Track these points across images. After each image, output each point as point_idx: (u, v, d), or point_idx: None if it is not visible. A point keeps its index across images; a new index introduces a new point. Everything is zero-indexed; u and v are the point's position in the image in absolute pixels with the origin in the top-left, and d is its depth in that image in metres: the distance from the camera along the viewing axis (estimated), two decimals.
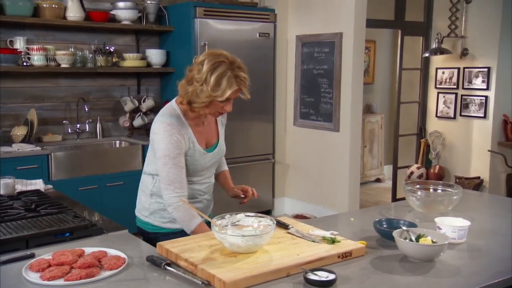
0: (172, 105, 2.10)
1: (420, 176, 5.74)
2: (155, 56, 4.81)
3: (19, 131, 4.18)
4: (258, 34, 4.98)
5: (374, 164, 6.84)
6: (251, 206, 4.94)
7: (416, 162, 6.02)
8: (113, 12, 4.58)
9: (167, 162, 1.99)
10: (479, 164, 5.45)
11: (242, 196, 2.34)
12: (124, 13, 4.57)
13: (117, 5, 4.57)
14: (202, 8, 4.62)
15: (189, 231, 2.01)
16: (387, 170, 6.79)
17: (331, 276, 1.53)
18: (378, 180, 6.86)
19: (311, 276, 1.53)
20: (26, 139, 4.17)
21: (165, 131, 2.00)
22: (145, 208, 2.21)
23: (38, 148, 4.06)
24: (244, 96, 1.99)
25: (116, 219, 2.19)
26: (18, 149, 3.95)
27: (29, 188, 2.65)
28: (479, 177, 5.40)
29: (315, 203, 5.10)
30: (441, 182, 2.43)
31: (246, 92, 1.98)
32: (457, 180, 5.48)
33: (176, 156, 2.00)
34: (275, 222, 1.78)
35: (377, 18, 5.46)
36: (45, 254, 1.71)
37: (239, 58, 2.01)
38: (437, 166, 5.77)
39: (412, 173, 5.82)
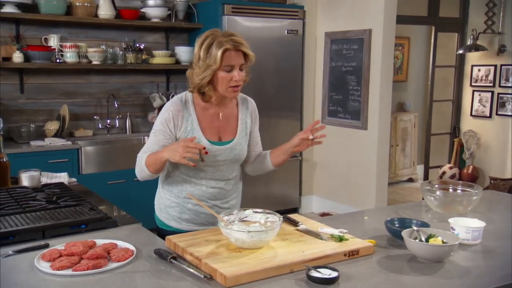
0: (185, 92, 2.12)
1: (452, 176, 5.60)
2: (184, 53, 4.87)
3: (52, 126, 4.32)
4: (286, 31, 4.96)
5: (407, 164, 6.70)
6: (277, 203, 4.99)
7: (449, 162, 5.87)
8: (143, 10, 4.67)
9: (151, 135, 2.07)
10: None
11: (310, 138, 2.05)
12: (154, 11, 4.65)
13: (147, 3, 4.65)
14: (230, 5, 4.64)
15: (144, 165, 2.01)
16: (420, 169, 6.63)
17: (334, 274, 1.51)
18: (410, 180, 6.72)
19: (314, 273, 1.52)
20: (58, 134, 4.31)
21: (164, 109, 2.05)
22: (158, 201, 2.23)
23: (69, 142, 4.18)
24: (249, 56, 1.97)
25: (142, 213, 2.23)
26: (50, 143, 4.08)
27: (54, 181, 2.73)
28: None
29: (342, 202, 5.04)
30: (461, 182, 2.36)
31: (247, 51, 1.95)
32: (492, 181, 5.32)
33: (159, 130, 2.03)
34: (281, 218, 1.77)
35: (410, 15, 5.35)
36: (59, 244, 1.76)
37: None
38: (471, 167, 5.61)
39: (444, 173, 5.68)
